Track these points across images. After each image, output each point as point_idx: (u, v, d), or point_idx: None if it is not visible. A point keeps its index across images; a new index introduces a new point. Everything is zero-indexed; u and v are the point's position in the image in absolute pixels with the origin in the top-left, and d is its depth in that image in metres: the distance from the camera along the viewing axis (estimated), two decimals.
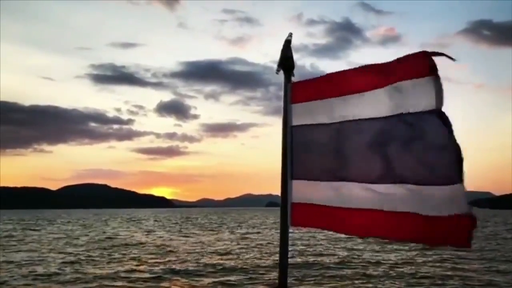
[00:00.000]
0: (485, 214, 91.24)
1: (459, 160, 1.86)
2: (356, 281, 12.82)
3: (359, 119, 2.29)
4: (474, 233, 1.85)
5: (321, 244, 23.30)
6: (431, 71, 1.94)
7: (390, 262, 16.62)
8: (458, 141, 1.87)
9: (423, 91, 1.98)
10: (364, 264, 16.11)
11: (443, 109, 1.94)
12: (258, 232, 34.77)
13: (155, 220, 62.62)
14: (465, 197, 1.88)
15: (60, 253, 20.26)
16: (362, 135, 2.28)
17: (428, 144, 1.98)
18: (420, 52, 2.00)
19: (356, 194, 2.30)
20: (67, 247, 23.15)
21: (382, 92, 2.18)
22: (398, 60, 2.12)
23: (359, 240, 24.30)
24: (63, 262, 16.95)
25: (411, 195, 2.06)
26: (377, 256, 18.28)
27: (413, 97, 2.03)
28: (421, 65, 1.98)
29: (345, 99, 2.36)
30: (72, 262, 16.97)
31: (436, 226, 1.96)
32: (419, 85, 1.99)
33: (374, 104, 2.23)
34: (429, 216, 1.99)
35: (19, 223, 56.32)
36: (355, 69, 2.34)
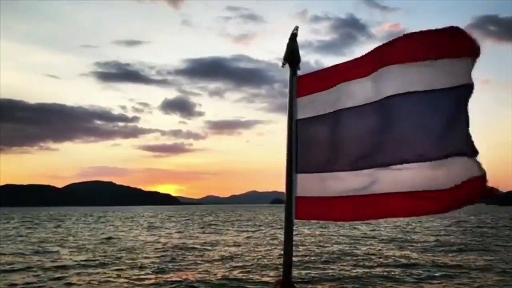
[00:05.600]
0: (500, 211, 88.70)
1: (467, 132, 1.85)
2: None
3: (360, 105, 2.22)
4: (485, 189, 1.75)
5: (338, 243, 20.96)
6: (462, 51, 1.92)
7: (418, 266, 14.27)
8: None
9: (436, 70, 1.95)
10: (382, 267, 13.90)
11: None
12: (271, 234, 32.46)
13: (161, 219, 60.37)
14: (475, 165, 1.81)
15: (45, 257, 17.83)
16: (365, 120, 2.20)
17: (441, 120, 1.92)
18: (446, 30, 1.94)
19: (360, 180, 2.20)
20: (57, 249, 20.79)
21: (389, 71, 2.08)
22: (405, 37, 2.05)
23: (379, 240, 22.85)
24: (44, 268, 14.56)
25: (422, 173, 1.97)
26: (396, 257, 15.91)
27: (423, 76, 1.97)
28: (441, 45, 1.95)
29: (345, 86, 2.29)
30: (56, 268, 14.66)
31: (450, 195, 1.88)
32: (434, 65, 1.95)
33: (377, 87, 2.14)
34: (443, 190, 1.90)
35: (19, 221, 54.17)
36: (359, 57, 2.24)
